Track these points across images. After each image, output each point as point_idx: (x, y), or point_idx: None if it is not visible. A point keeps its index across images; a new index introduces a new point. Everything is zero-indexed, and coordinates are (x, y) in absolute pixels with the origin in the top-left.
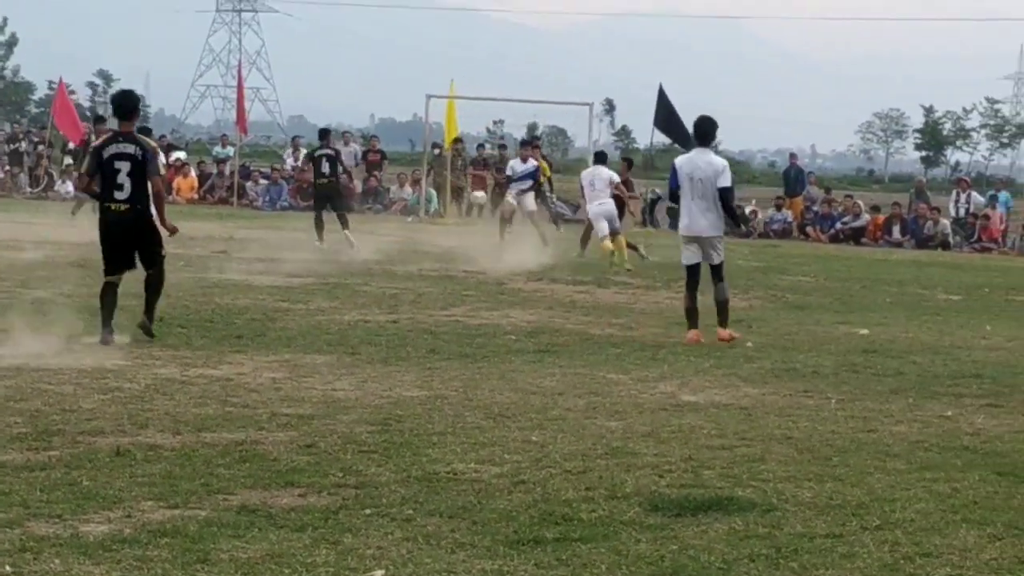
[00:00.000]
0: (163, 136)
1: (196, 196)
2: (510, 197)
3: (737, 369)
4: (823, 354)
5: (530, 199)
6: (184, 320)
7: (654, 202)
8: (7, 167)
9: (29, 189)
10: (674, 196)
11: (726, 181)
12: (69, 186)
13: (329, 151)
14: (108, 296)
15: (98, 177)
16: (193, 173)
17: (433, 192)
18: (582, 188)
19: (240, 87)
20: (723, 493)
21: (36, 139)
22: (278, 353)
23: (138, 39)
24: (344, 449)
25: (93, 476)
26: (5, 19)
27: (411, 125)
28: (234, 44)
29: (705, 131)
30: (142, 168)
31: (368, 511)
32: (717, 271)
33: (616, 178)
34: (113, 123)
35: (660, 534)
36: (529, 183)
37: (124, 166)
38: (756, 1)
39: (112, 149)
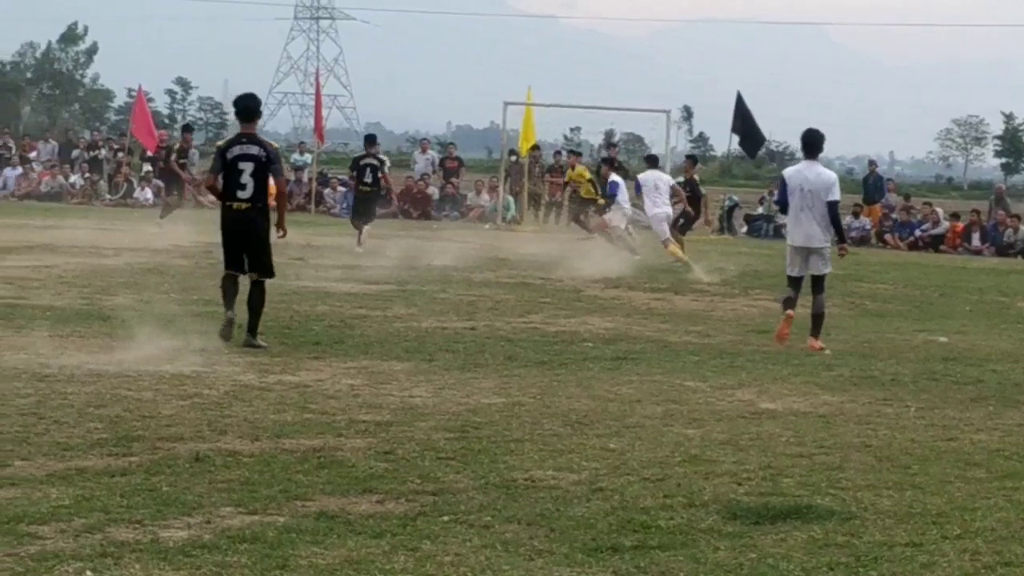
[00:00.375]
0: None
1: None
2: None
3: (816, 377)
4: (902, 362)
5: (618, 216)
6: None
7: (731, 209)
8: (87, 174)
9: (108, 196)
10: (783, 207)
11: (835, 195)
12: (148, 193)
13: (373, 160)
14: (228, 284)
15: (221, 176)
16: (270, 179)
17: (511, 199)
18: (639, 189)
19: (318, 95)
20: (802, 501)
21: (116, 146)
22: (356, 360)
23: (216, 47)
24: (422, 456)
25: (173, 482)
26: (85, 27)
27: (488, 132)
28: (312, 52)
29: (813, 143)
30: (265, 169)
31: (446, 518)
32: (819, 282)
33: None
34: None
35: (738, 542)
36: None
37: (248, 166)
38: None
39: (236, 150)
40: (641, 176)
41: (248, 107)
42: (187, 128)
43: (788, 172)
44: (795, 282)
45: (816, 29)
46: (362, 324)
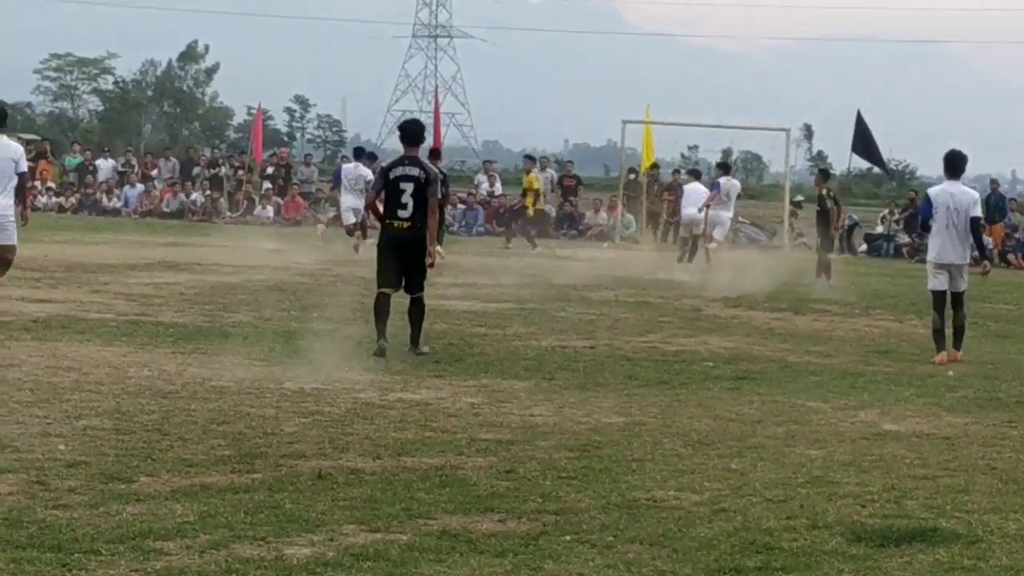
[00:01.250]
0: None
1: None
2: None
3: (939, 398)
4: None
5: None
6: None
7: (851, 228)
8: (207, 192)
9: (229, 214)
10: (925, 225)
11: (978, 212)
12: (269, 211)
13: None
14: (382, 304)
15: (382, 195)
16: None
17: (631, 217)
18: (719, 192)
19: (436, 113)
20: (926, 524)
21: (236, 164)
22: (476, 378)
23: (335, 65)
24: (543, 475)
25: (296, 499)
26: (206, 46)
27: (605, 150)
28: (430, 70)
29: (956, 163)
30: (424, 190)
31: (568, 537)
32: (960, 298)
33: None
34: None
35: (863, 564)
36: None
37: (408, 187)
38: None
39: (399, 171)
40: (722, 180)
41: (412, 131)
42: (362, 153)
43: (933, 191)
44: (940, 297)
45: (935, 47)
46: (482, 342)
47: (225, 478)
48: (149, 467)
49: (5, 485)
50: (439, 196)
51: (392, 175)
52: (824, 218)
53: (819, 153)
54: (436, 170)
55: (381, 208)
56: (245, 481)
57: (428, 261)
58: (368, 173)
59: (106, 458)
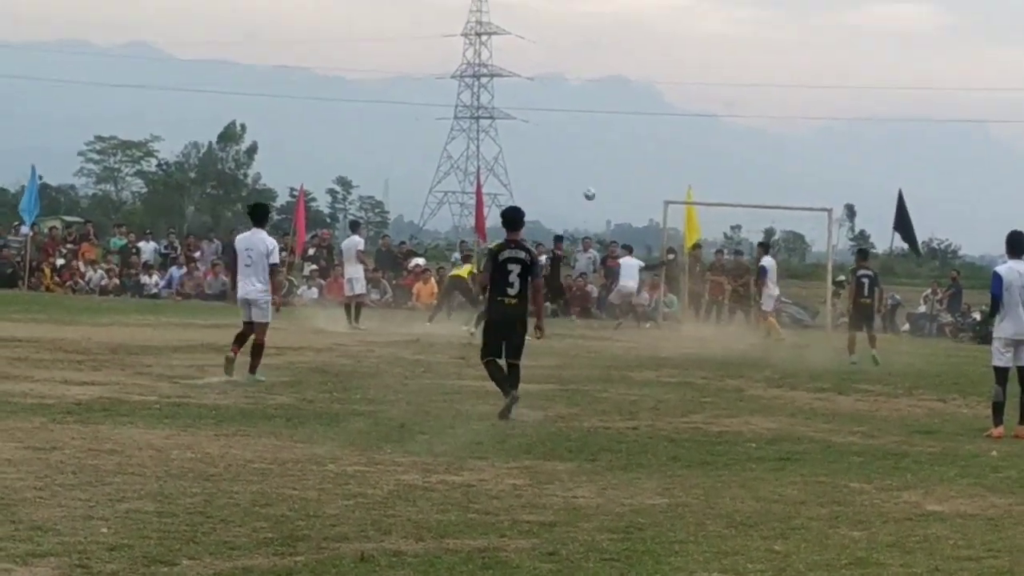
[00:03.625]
0: (403, 243)
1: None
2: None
3: (983, 478)
4: None
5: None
6: (425, 426)
7: (893, 307)
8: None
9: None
10: (995, 303)
11: None
12: (314, 291)
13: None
14: (495, 368)
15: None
16: (433, 279)
17: (674, 297)
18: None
19: (479, 193)
20: None
21: (280, 245)
22: (518, 459)
23: (377, 145)
24: (586, 557)
25: None
26: (243, 126)
27: (647, 230)
28: (472, 151)
29: (1019, 243)
30: (528, 271)
31: None
32: None
33: None
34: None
35: None
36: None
37: (515, 267)
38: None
39: (507, 254)
40: (769, 261)
41: (513, 218)
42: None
43: (1002, 269)
44: (1004, 373)
45: (981, 126)
46: (524, 424)
47: (268, 560)
48: (191, 550)
49: (47, 569)
50: (540, 277)
51: (500, 257)
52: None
53: (861, 232)
54: (536, 252)
55: (490, 287)
56: (288, 564)
57: (537, 335)
58: (360, 242)
59: (148, 541)
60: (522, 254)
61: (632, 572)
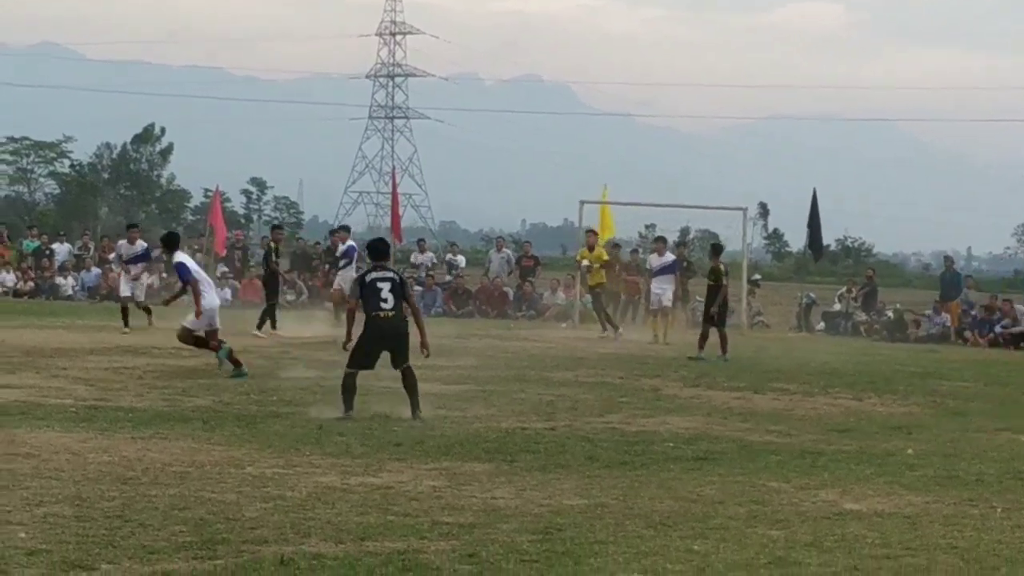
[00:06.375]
0: (317, 243)
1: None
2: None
3: (899, 477)
4: (986, 462)
5: (669, 294)
6: (343, 428)
7: (808, 306)
8: (164, 274)
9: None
10: None
11: None
12: (228, 294)
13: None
14: (351, 382)
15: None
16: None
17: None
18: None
19: (395, 194)
20: None
21: (196, 247)
22: (437, 461)
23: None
24: (506, 558)
25: None
26: (162, 128)
27: (562, 230)
28: (387, 151)
29: None
30: (399, 288)
31: None
32: None
33: None
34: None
35: None
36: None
37: (385, 285)
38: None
39: (374, 275)
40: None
41: (379, 248)
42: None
43: None
44: None
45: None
46: (442, 425)
47: (187, 564)
48: (110, 554)
49: None
50: (413, 296)
51: (368, 279)
52: (716, 292)
53: (775, 231)
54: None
55: (361, 308)
56: (207, 568)
57: (425, 353)
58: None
59: (67, 545)
60: (390, 274)
61: (552, 573)
